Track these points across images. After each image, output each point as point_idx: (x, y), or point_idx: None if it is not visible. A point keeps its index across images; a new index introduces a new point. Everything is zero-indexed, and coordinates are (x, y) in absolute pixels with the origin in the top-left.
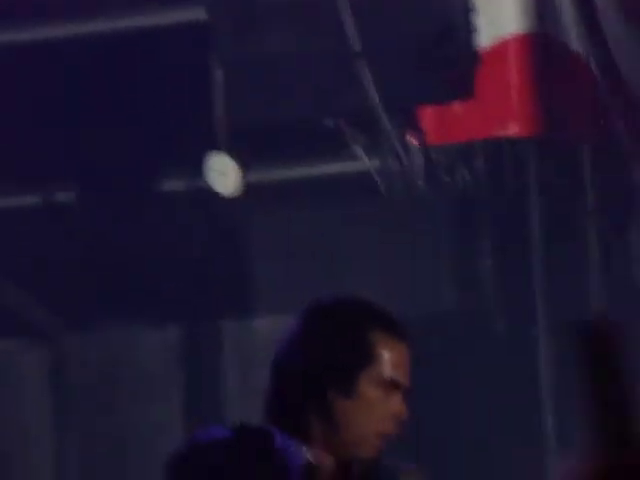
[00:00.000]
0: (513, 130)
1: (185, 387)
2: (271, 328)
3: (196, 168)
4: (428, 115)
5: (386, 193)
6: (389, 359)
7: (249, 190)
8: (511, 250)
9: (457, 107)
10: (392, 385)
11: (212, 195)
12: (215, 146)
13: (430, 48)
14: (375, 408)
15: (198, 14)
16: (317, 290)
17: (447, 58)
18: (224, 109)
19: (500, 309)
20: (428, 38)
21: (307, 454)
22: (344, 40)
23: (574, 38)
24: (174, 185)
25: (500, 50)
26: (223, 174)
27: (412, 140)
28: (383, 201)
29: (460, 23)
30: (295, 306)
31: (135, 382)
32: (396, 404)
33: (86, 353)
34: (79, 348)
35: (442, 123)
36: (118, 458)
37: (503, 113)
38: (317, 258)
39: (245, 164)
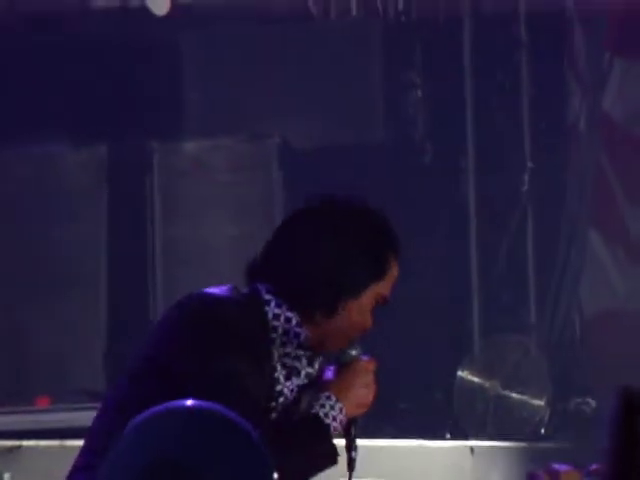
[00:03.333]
0: None
1: (109, 207)
2: (198, 150)
3: None
4: None
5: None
6: (391, 279)
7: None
8: (441, 81)
9: None
10: (382, 300)
11: (145, 13)
12: None
13: None
14: (365, 313)
15: None
16: (247, 113)
17: None
18: None
19: (429, 141)
20: None
21: (305, 331)
22: None
23: None
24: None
25: None
26: None
27: None
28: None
29: None
30: (222, 129)
31: (59, 200)
32: (370, 317)
33: (9, 168)
34: (3, 163)
35: None
36: (34, 272)
37: None
38: (247, 81)
39: None
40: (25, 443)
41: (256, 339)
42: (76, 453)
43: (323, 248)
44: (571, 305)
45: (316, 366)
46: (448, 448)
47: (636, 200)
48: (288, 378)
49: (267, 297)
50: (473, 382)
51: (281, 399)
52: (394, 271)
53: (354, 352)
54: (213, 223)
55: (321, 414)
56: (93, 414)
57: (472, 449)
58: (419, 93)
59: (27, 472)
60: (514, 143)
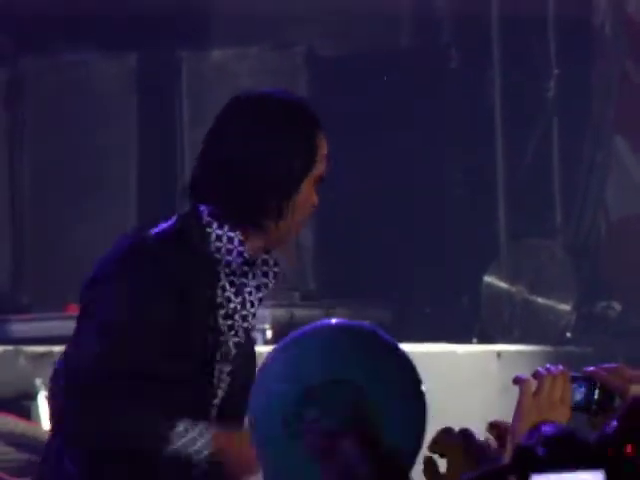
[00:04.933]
0: None
1: (140, 115)
2: (224, 59)
3: None
4: None
5: None
6: (323, 158)
7: None
8: None
9: None
10: (320, 180)
11: None
12: None
13: None
14: (308, 200)
15: None
16: (273, 23)
17: None
18: None
19: (454, 47)
20: None
21: (247, 250)
22: None
23: None
24: None
25: None
26: None
27: None
28: None
29: None
30: (254, 39)
31: (90, 108)
32: (315, 195)
33: (42, 76)
34: (34, 72)
35: None
36: (69, 181)
37: None
38: None
39: None
40: (56, 349)
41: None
42: None
43: (256, 157)
44: (597, 209)
45: (271, 275)
46: (475, 352)
47: None
48: (238, 294)
49: (207, 219)
50: (499, 287)
51: (236, 315)
52: (324, 149)
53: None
54: None
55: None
56: None
57: (498, 353)
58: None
59: None
60: (540, 49)
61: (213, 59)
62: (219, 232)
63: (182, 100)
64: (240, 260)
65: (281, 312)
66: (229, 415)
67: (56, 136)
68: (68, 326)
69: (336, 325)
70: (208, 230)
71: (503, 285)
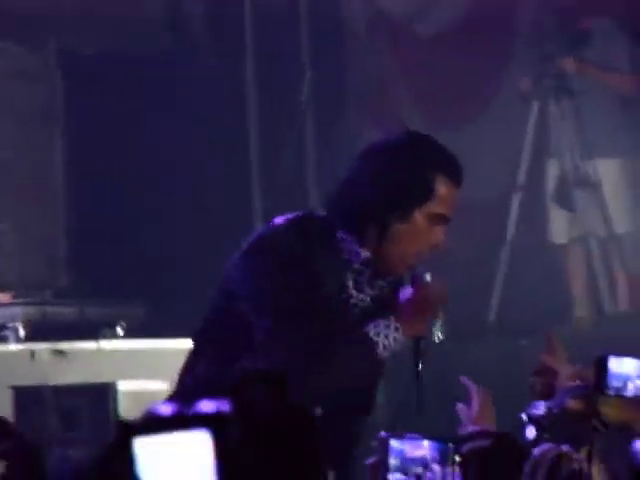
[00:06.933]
0: None
1: None
2: None
3: None
4: None
5: None
6: (444, 198)
7: None
8: None
9: None
10: (440, 220)
11: None
12: None
13: None
14: (421, 234)
15: None
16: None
17: None
18: None
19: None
20: None
21: (367, 252)
22: None
23: None
24: None
25: None
26: None
27: None
28: None
29: None
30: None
31: None
32: (439, 234)
33: None
34: None
35: None
36: None
37: None
38: None
39: None
40: None
41: (324, 264)
42: None
43: (370, 176)
44: None
45: (377, 289)
46: None
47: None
48: (359, 291)
49: (335, 222)
50: None
51: (356, 310)
52: (444, 189)
53: (428, 277)
54: None
55: (372, 332)
56: None
57: None
58: None
59: None
60: (293, 48)
61: None
62: (342, 235)
63: None
64: (357, 259)
65: (33, 310)
66: None
67: None
68: None
69: None
70: (337, 232)
71: None
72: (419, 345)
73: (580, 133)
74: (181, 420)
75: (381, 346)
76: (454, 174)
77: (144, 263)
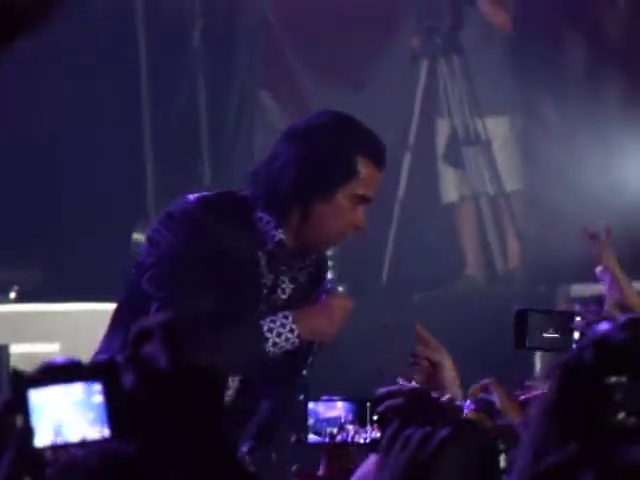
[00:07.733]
0: None
1: None
2: None
3: None
4: None
5: None
6: (367, 179)
7: None
8: None
9: None
10: (362, 199)
11: None
12: None
13: None
14: (342, 215)
15: None
16: None
17: None
18: None
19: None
20: None
21: (281, 234)
22: None
23: None
24: None
25: None
26: None
27: None
28: None
29: None
30: None
31: None
32: (360, 214)
33: None
34: None
35: None
36: None
37: None
38: None
39: None
40: None
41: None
42: None
43: (292, 157)
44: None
45: (304, 273)
46: None
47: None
48: (271, 272)
49: (256, 202)
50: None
51: (265, 289)
52: (366, 171)
53: (340, 288)
54: None
55: (265, 327)
56: None
57: None
58: None
59: None
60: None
61: None
62: (260, 214)
63: None
64: (272, 242)
65: None
66: None
67: None
68: None
69: None
70: (255, 211)
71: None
72: (313, 347)
73: (470, 91)
74: (75, 370)
75: (271, 343)
76: (377, 156)
77: (39, 229)
